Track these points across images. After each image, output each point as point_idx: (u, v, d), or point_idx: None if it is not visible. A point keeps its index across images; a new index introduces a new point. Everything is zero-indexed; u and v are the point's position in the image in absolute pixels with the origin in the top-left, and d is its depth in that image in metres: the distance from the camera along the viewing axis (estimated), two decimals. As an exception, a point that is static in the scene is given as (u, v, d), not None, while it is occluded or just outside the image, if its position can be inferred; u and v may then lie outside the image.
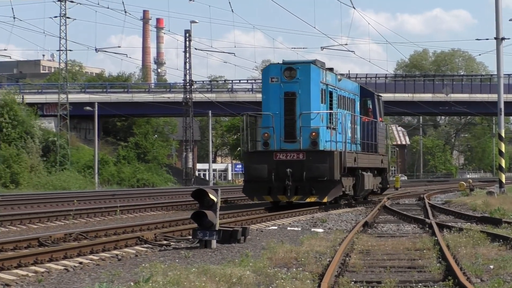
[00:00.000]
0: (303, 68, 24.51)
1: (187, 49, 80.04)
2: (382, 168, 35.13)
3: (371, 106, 32.66)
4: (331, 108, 26.96)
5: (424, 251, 15.37)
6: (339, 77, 28.24)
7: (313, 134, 24.27)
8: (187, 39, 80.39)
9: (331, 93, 27.11)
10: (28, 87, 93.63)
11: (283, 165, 23.76)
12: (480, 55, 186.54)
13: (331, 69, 29.59)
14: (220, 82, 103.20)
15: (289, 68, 24.14)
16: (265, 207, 25.52)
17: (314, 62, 25.71)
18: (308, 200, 23.66)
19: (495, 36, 37.03)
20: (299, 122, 24.53)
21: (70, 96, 78.42)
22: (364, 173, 29.35)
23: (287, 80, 24.20)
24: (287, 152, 24.14)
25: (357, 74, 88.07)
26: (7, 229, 20.59)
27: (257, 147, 28.58)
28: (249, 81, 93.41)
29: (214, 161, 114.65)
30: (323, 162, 23.55)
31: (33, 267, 11.66)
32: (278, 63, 25.03)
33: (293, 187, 23.63)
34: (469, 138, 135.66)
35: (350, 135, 29.29)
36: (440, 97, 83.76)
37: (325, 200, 24.11)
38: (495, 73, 45.65)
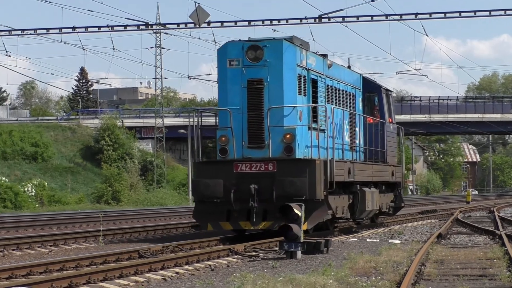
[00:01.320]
0: (273, 47, 16.55)
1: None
2: (394, 183, 25.26)
3: (377, 104, 23.61)
4: (315, 102, 18.35)
5: (495, 260, 15.36)
6: (329, 62, 19.54)
7: (287, 136, 16.60)
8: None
9: (315, 82, 18.55)
10: (127, 112, 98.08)
11: (247, 180, 16.27)
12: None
13: (324, 56, 20.35)
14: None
15: (254, 47, 16.49)
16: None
17: (290, 39, 17.46)
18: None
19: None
20: (268, 121, 16.73)
21: (165, 120, 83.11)
22: (365, 189, 20.66)
23: (252, 63, 16.60)
24: (252, 162, 16.63)
25: (430, 96, 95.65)
26: (109, 242, 21.00)
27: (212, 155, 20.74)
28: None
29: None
30: (300, 175, 16.24)
31: (133, 277, 12.11)
32: (239, 40, 17.36)
33: (260, 210, 16.36)
34: None
35: (347, 139, 20.93)
36: (508, 116, 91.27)
37: (304, 227, 15.76)
38: None
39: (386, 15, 34.31)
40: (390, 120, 24.61)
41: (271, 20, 34.52)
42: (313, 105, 17.83)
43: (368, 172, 21.33)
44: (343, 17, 34.69)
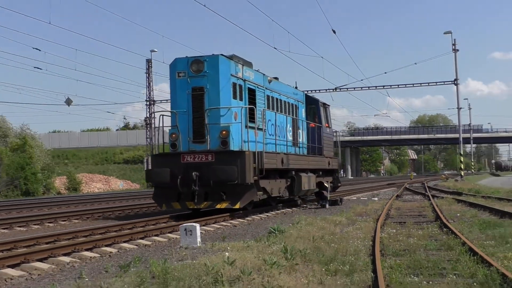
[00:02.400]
0: (211, 61, 17.69)
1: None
2: (332, 169, 27.14)
3: (316, 113, 25.55)
4: (253, 106, 19.11)
5: (425, 207, 20.85)
6: (269, 78, 20.88)
7: (223, 132, 17.54)
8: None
9: (252, 91, 19.53)
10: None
11: (191, 169, 17.02)
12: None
13: (276, 77, 22.28)
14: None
15: (197, 61, 17.65)
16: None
17: (226, 55, 18.29)
18: (218, 206, 17.20)
19: None
20: (207, 120, 17.73)
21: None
22: (302, 174, 21.64)
23: (195, 74, 17.72)
24: (195, 154, 17.41)
25: (391, 127, 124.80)
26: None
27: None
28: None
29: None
30: (232, 163, 16.81)
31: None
32: (186, 56, 18.12)
33: (202, 193, 17.03)
34: (446, 154, 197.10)
35: (290, 138, 22.35)
36: (432, 136, 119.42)
37: (237, 206, 17.21)
38: None
39: (369, 87, 56.96)
40: (327, 125, 26.80)
41: (307, 91, 45.99)
42: (244, 106, 18.51)
43: (304, 162, 22.62)
44: (347, 88, 55.89)
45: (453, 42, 52.73)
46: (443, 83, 55.75)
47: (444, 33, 53.57)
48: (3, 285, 8.10)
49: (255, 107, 19.20)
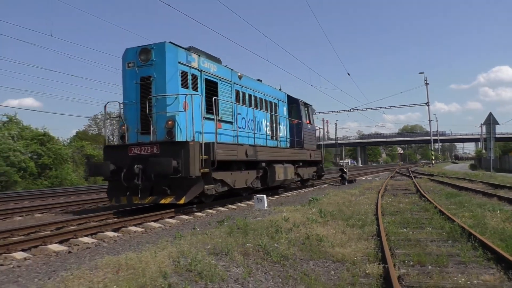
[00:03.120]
0: (158, 48, 11.77)
1: None
2: (314, 161, 20.13)
3: (297, 111, 19.06)
4: (211, 98, 12.18)
5: (410, 184, 20.83)
6: (239, 74, 14.36)
7: (169, 122, 11.47)
8: None
9: (213, 83, 12.60)
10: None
11: (137, 162, 11.12)
12: None
13: (245, 75, 14.67)
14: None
15: (144, 50, 11.79)
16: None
17: (172, 42, 11.86)
18: (163, 201, 10.96)
19: None
20: (154, 109, 11.66)
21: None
22: (277, 165, 15.28)
23: (143, 63, 11.87)
24: (142, 146, 11.48)
25: (388, 133, 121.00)
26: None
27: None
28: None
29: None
30: (175, 156, 10.93)
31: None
32: (136, 46, 12.17)
33: (148, 187, 11.06)
34: (422, 150, 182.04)
35: (268, 132, 15.74)
36: (412, 139, 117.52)
37: (182, 201, 10.82)
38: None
39: (371, 108, 57.64)
40: (308, 122, 19.85)
41: (324, 112, 49.76)
42: (194, 94, 11.20)
43: (278, 153, 15.67)
44: (359, 109, 58.60)
45: (424, 79, 52.38)
46: (419, 104, 56.60)
47: (419, 73, 54.16)
48: (128, 236, 8.18)
49: (217, 99, 12.27)
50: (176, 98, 10.89)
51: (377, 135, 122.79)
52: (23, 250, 6.53)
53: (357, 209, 10.41)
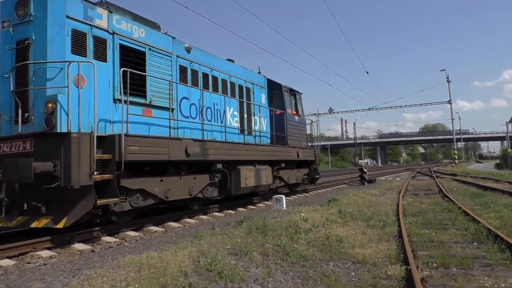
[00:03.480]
0: None
1: None
2: (304, 161, 15.66)
3: (280, 99, 14.72)
4: (139, 72, 7.89)
5: (432, 184, 20.32)
6: (187, 45, 9.71)
7: (49, 105, 6.31)
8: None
9: (137, 52, 8.16)
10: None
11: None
12: None
13: (191, 46, 10.04)
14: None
15: (21, 2, 6.84)
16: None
17: None
18: (35, 224, 6.19)
19: None
20: (31, 86, 6.68)
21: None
22: (244, 167, 11.23)
23: (20, 21, 6.86)
24: (13, 141, 6.59)
25: (408, 132, 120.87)
26: None
27: None
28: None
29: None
30: (51, 155, 6.17)
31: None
32: None
33: (16, 202, 6.76)
34: (445, 149, 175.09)
35: (235, 124, 11.68)
36: (433, 137, 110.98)
37: (60, 224, 6.06)
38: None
39: (391, 107, 57.69)
40: (295, 113, 15.18)
41: (342, 111, 49.21)
42: (89, 62, 7.05)
43: (244, 152, 11.26)
44: (378, 108, 56.54)
45: (446, 76, 51.30)
46: (441, 103, 55.41)
47: (441, 71, 53.05)
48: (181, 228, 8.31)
49: (147, 77, 8.47)
50: (61, 69, 6.84)
51: (397, 134, 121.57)
52: (48, 248, 6.52)
53: (378, 209, 10.28)
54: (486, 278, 4.80)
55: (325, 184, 21.50)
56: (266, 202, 13.20)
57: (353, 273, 5.25)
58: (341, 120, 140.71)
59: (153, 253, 5.29)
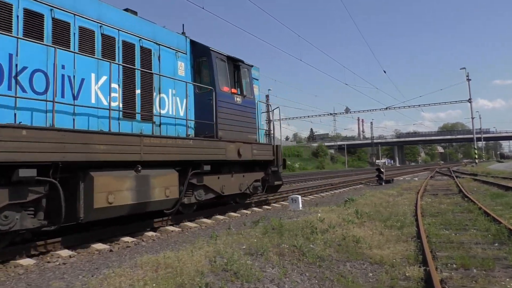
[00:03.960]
0: None
1: None
2: (255, 161, 10.78)
3: (210, 70, 9.37)
4: None
5: (451, 184, 20.04)
6: None
7: None
8: None
9: None
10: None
11: None
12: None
13: None
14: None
15: None
16: None
17: None
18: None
19: None
20: None
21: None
22: (105, 173, 6.22)
23: None
24: None
25: (427, 131, 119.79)
26: None
27: None
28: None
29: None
30: None
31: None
32: None
33: None
34: (464, 148, 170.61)
35: (117, 103, 7.30)
36: (452, 137, 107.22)
37: None
38: None
39: (409, 106, 57.45)
40: (235, 91, 10.19)
41: (359, 111, 49.48)
42: None
43: (105, 148, 6.35)
44: (395, 107, 56.67)
45: (466, 75, 50.06)
46: (460, 101, 54.28)
47: (460, 69, 51.75)
48: (187, 231, 8.42)
49: None
50: None
51: (415, 134, 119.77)
52: (67, 248, 6.66)
53: (395, 210, 10.18)
54: (508, 279, 4.70)
55: (341, 184, 21.43)
56: (282, 203, 13.29)
57: (371, 274, 5.21)
58: (358, 119, 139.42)
59: (170, 253, 5.35)
